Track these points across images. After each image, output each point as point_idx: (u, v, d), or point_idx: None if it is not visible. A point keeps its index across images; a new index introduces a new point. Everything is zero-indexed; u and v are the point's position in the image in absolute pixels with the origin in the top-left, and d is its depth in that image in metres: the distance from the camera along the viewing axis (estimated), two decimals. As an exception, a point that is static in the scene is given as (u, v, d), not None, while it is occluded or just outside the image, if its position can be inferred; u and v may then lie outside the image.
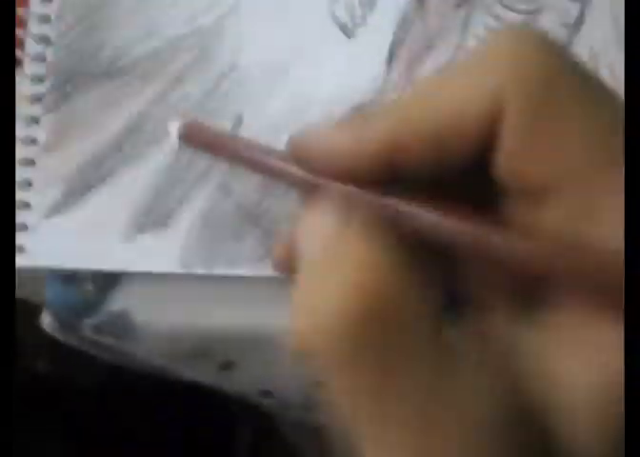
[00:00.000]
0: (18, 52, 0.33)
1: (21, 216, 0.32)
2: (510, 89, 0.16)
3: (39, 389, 0.53)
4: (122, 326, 0.33)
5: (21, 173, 0.32)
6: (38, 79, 0.33)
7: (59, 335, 0.34)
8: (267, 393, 0.39)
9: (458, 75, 0.17)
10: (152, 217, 0.32)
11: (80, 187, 0.32)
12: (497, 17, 0.34)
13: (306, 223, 0.18)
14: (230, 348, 0.35)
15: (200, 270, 0.32)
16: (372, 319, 0.15)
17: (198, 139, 0.23)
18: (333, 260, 0.16)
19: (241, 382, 0.38)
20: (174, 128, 0.26)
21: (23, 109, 0.33)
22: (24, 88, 0.33)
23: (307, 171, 0.19)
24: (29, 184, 0.32)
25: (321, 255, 0.17)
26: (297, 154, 0.19)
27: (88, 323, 0.33)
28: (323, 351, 0.16)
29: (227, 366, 0.36)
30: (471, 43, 0.34)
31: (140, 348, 0.34)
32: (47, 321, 0.34)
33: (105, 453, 0.57)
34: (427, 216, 0.17)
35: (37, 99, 0.33)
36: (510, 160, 0.16)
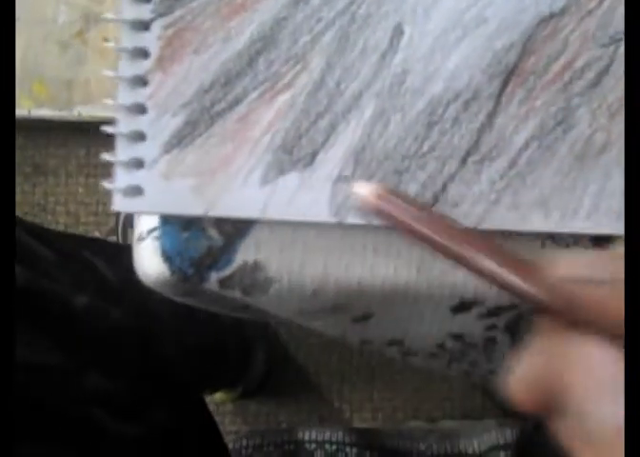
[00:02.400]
0: None
1: (134, 150, 0.26)
2: None
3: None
4: (253, 280, 0.28)
5: (131, 95, 0.26)
6: (145, -29, 0.26)
7: (169, 289, 0.29)
8: (394, 342, 0.35)
9: None
10: (295, 155, 0.26)
11: (204, 114, 0.26)
12: None
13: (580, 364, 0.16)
14: (369, 302, 0.30)
15: (356, 221, 0.26)
16: None
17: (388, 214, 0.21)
18: None
19: (371, 333, 0.34)
20: (364, 192, 0.22)
21: (127, 11, 0.26)
22: (127, -17, 0.26)
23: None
24: (141, 109, 0.26)
25: None
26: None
27: (213, 276, 0.28)
28: None
29: (362, 318, 0.32)
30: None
31: (270, 303, 0.29)
32: (156, 272, 0.29)
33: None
34: None
35: (144, -2, 0.26)
36: None
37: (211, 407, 0.92)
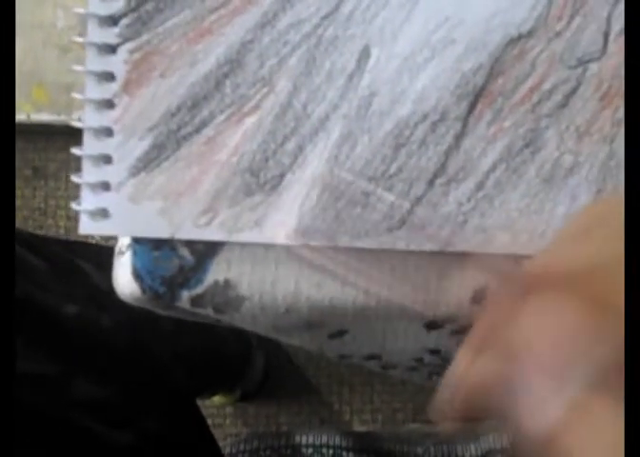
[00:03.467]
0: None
1: (101, 172, 0.26)
2: None
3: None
4: (225, 298, 0.28)
5: (98, 118, 0.26)
6: (111, -5, 0.26)
7: (145, 305, 0.30)
8: (373, 357, 0.35)
9: None
10: (262, 177, 0.26)
11: (171, 137, 0.26)
12: None
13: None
14: (342, 319, 0.30)
15: (320, 242, 0.26)
16: None
17: None
18: None
19: (348, 348, 0.34)
20: None
21: (93, 34, 0.26)
22: (93, 6, 0.26)
23: None
24: (108, 133, 0.26)
25: None
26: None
27: (185, 294, 0.28)
28: None
29: (337, 335, 0.32)
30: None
31: (243, 321, 0.29)
32: (129, 290, 0.29)
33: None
34: None
35: (110, 22, 0.26)
36: None
37: (211, 410, 0.92)
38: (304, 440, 0.84)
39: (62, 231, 1.05)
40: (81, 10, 0.26)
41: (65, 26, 0.96)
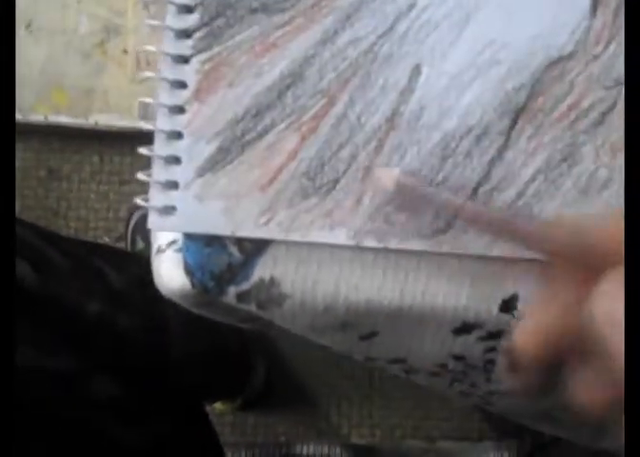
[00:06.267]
0: (161, -25, 0.28)
1: (170, 172, 0.28)
2: None
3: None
4: (268, 295, 0.30)
5: (169, 122, 0.28)
6: (186, 9, 0.28)
7: (188, 301, 0.31)
8: (398, 360, 0.37)
9: None
10: (318, 181, 0.29)
11: (236, 142, 0.28)
12: None
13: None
14: (375, 321, 0.32)
15: (372, 244, 0.28)
16: None
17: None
18: None
19: (376, 350, 0.36)
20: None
21: (169, 45, 0.28)
22: (170, 19, 0.28)
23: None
24: (178, 135, 0.28)
25: None
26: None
27: (232, 290, 0.30)
28: None
29: (368, 336, 0.34)
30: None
31: (283, 318, 0.31)
32: (178, 285, 0.31)
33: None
34: None
35: (185, 35, 0.28)
36: None
37: (211, 419, 0.92)
38: (305, 450, 0.86)
39: (72, 232, 1.06)
40: (157, 23, 0.28)
41: (87, 31, 0.98)
